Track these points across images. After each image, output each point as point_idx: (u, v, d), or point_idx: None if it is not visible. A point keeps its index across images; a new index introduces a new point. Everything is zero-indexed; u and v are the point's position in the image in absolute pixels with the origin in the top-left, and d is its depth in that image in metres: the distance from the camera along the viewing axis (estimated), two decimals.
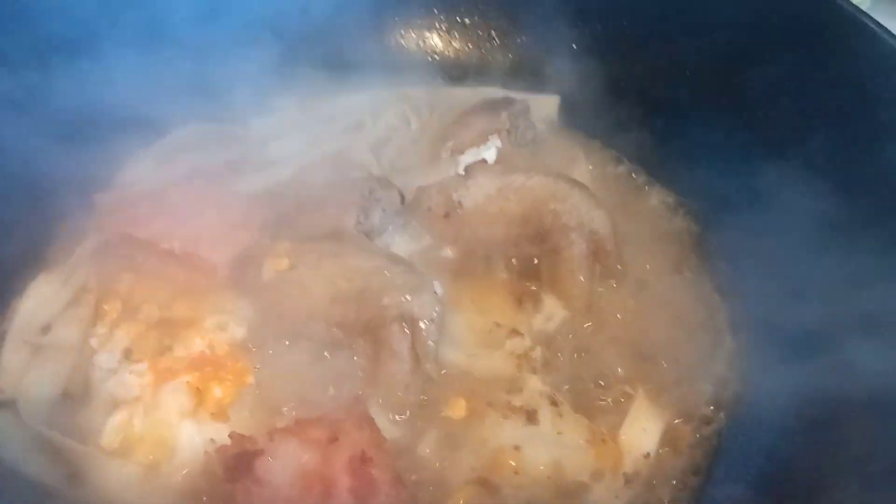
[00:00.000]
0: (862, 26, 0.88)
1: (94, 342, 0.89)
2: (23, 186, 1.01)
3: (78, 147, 1.06)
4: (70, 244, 1.00)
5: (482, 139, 1.05)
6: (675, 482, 0.80)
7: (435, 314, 0.87)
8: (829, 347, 0.81)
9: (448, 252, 0.99)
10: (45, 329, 0.92)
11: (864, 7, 1.22)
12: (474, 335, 0.92)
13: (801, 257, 0.89)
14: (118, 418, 0.83)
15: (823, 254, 0.87)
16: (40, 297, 0.95)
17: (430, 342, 0.86)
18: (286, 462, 0.78)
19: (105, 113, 1.09)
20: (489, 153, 1.03)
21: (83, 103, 1.07)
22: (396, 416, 0.84)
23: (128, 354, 0.88)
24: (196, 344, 0.88)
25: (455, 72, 1.24)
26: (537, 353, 0.90)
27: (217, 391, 0.84)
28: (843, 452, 0.73)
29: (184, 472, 0.80)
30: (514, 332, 0.92)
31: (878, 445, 0.71)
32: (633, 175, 1.09)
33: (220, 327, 0.90)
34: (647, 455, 0.82)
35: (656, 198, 1.06)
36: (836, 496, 0.69)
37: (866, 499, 0.66)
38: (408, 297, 0.87)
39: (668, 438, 0.83)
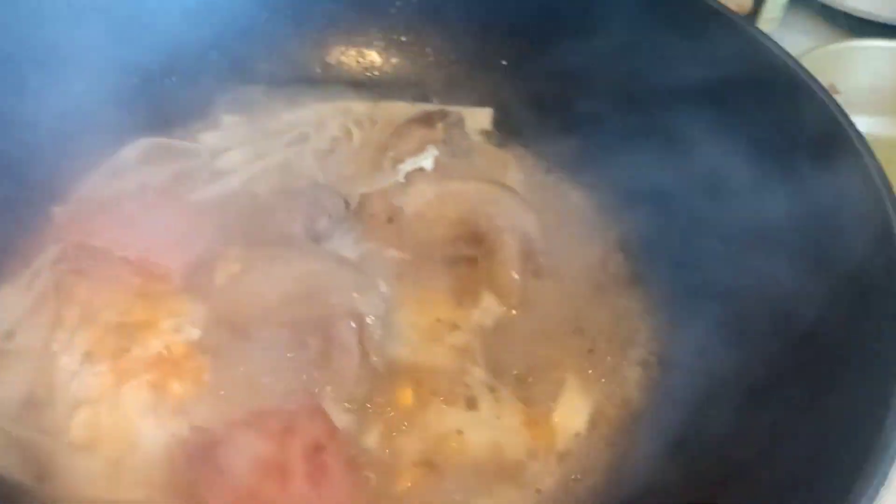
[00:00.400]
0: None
1: (55, 346, 0.93)
2: None
3: (34, 163, 1.11)
4: (29, 255, 1.05)
5: (420, 148, 1.12)
6: (600, 456, 0.88)
7: (381, 310, 0.93)
8: (739, 326, 0.91)
9: (392, 254, 1.05)
10: (9, 335, 0.96)
11: (774, 27, 1.34)
12: (417, 331, 0.98)
13: (714, 250, 0.99)
14: (83, 415, 0.87)
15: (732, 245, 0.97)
16: (2, 306, 0.99)
17: (377, 336, 0.93)
18: (244, 451, 0.84)
19: (57, 130, 1.14)
20: (427, 161, 1.10)
21: (33, 121, 1.12)
22: (347, 406, 0.90)
23: (88, 357, 0.92)
24: (153, 345, 0.93)
25: (394, 87, 1.30)
26: (476, 345, 0.97)
27: (176, 388, 0.89)
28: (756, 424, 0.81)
29: (148, 464, 0.85)
30: (455, 327, 0.99)
31: (787, 415, 0.79)
32: (560, 180, 1.17)
33: (175, 329, 0.95)
34: (578, 434, 0.90)
35: (581, 201, 1.15)
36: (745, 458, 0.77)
37: (771, 455, 0.75)
38: (355, 295, 0.93)
39: (596, 418, 0.91)
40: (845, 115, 0.90)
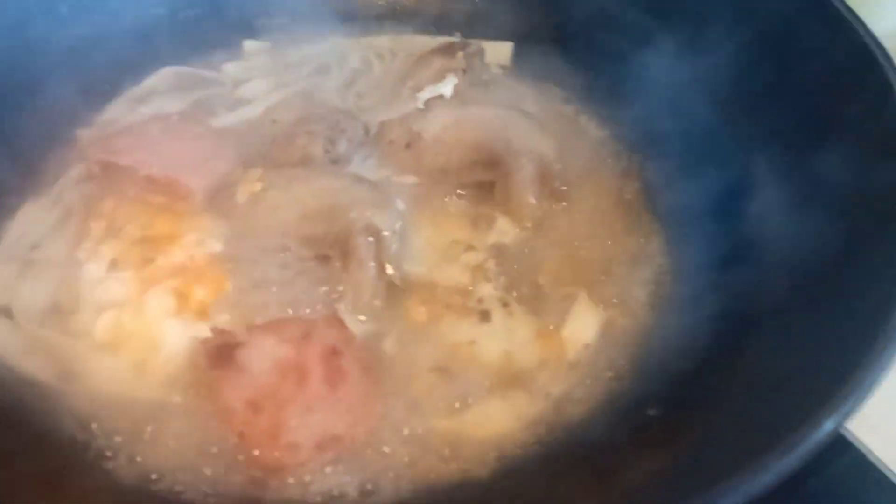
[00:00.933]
0: None
1: (81, 255, 0.96)
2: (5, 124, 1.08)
3: (60, 89, 1.13)
4: (54, 174, 1.07)
5: (440, 77, 1.13)
6: (608, 365, 0.90)
7: (397, 225, 0.95)
8: (748, 262, 0.92)
9: (410, 179, 1.07)
10: (35, 246, 0.99)
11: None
12: (433, 250, 1.00)
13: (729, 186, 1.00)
14: (107, 318, 0.90)
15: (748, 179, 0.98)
16: (28, 220, 1.02)
17: (393, 251, 0.94)
18: (264, 353, 0.86)
19: (83, 58, 1.17)
20: (446, 89, 1.11)
21: (60, 49, 1.15)
22: (363, 318, 0.92)
23: (113, 265, 0.95)
24: (177, 256, 0.96)
25: (416, 21, 1.32)
26: (490, 264, 0.99)
27: (198, 293, 0.92)
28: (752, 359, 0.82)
29: (170, 364, 0.88)
30: (470, 248, 1.01)
31: (778, 353, 0.81)
32: (579, 111, 1.18)
33: (198, 242, 0.98)
34: (588, 346, 0.91)
35: (600, 132, 1.16)
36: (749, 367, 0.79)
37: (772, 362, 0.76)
38: (372, 211, 0.95)
39: (606, 331, 0.92)
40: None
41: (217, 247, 0.97)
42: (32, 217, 1.03)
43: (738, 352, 0.82)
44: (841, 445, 0.88)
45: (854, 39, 0.90)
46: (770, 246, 0.90)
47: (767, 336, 0.82)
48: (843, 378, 0.64)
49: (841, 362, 0.66)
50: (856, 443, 0.89)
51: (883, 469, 0.88)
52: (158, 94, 1.20)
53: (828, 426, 0.60)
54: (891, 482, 0.87)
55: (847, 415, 0.61)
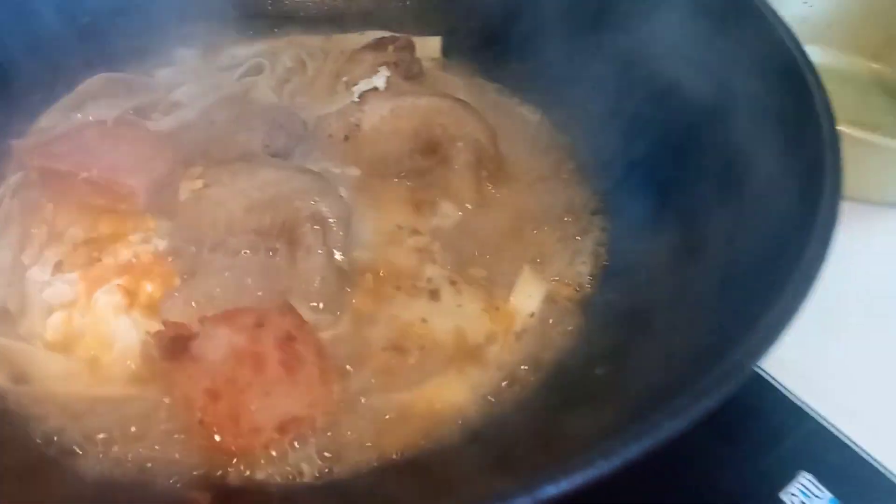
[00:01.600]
0: None
1: (25, 260, 0.95)
2: None
3: None
4: None
5: (372, 70, 1.16)
6: (554, 332, 0.93)
7: (343, 212, 0.97)
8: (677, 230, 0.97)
9: (351, 171, 1.09)
10: None
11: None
12: (379, 236, 1.03)
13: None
14: (57, 319, 0.90)
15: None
16: None
17: (340, 237, 0.96)
18: (218, 342, 0.87)
19: (9, 69, 1.16)
20: (380, 81, 1.14)
21: None
22: (314, 304, 0.94)
23: (59, 268, 0.95)
24: (122, 254, 0.96)
25: (345, 21, 1.34)
26: (436, 246, 1.02)
27: (147, 290, 0.92)
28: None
29: (124, 359, 0.88)
30: (415, 232, 1.03)
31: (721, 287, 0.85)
32: (511, 99, 1.22)
33: (143, 241, 0.98)
34: (533, 315, 0.95)
35: (533, 117, 1.20)
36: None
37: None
38: (317, 199, 0.97)
39: (549, 300, 0.96)
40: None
41: (162, 245, 0.97)
42: None
43: (672, 305, 0.86)
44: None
45: None
46: (699, 210, 0.94)
47: (694, 290, 0.86)
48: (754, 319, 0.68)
49: (751, 306, 0.70)
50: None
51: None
52: (92, 101, 1.19)
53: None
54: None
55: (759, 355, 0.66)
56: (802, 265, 0.68)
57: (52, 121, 1.16)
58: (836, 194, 0.74)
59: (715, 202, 0.88)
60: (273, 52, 1.27)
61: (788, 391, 1.00)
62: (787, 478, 0.93)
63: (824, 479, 0.93)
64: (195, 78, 1.24)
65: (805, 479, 0.93)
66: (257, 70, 1.24)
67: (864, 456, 0.95)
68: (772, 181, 0.82)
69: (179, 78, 1.24)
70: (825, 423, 0.98)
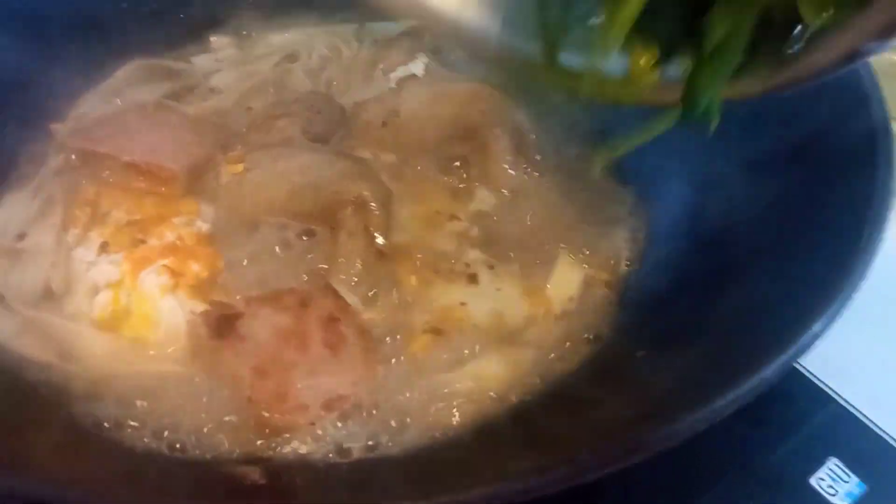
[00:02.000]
0: None
1: (70, 241, 0.97)
2: None
3: (30, 86, 1.14)
4: (33, 168, 1.08)
5: (410, 57, 1.17)
6: (593, 316, 0.94)
7: (383, 196, 0.98)
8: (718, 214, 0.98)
9: (389, 157, 1.10)
10: (20, 236, 0.99)
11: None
12: (418, 221, 1.03)
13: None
14: (103, 297, 0.91)
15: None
16: (10, 212, 1.02)
17: (380, 220, 0.97)
18: (264, 322, 0.89)
19: (50, 54, 1.17)
20: (417, 68, 1.15)
21: (25, 44, 1.15)
22: (355, 287, 0.94)
23: (104, 248, 0.96)
24: (167, 236, 0.97)
25: (378, 10, 1.34)
26: (474, 231, 1.03)
27: (193, 271, 0.93)
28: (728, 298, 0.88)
29: (171, 338, 0.89)
30: (453, 217, 1.04)
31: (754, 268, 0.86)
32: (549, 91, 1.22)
33: (187, 224, 0.99)
34: (572, 298, 0.96)
35: (569, 104, 1.20)
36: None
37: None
38: (358, 183, 0.98)
39: (587, 283, 0.97)
40: None
41: (205, 227, 0.98)
42: (13, 209, 1.03)
43: (715, 293, 0.87)
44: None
45: None
46: (737, 196, 0.95)
47: (741, 278, 0.87)
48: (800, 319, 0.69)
49: (796, 306, 0.71)
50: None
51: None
52: (131, 87, 1.20)
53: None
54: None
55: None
56: (852, 269, 0.68)
57: (92, 105, 1.17)
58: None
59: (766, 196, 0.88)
60: (308, 40, 1.28)
61: (817, 377, 1.01)
62: (816, 463, 0.94)
63: (852, 464, 0.94)
64: (231, 65, 1.26)
65: (833, 465, 0.93)
66: (293, 58, 1.25)
67: (892, 442, 0.96)
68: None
69: (215, 65, 1.26)
70: (852, 410, 0.99)
